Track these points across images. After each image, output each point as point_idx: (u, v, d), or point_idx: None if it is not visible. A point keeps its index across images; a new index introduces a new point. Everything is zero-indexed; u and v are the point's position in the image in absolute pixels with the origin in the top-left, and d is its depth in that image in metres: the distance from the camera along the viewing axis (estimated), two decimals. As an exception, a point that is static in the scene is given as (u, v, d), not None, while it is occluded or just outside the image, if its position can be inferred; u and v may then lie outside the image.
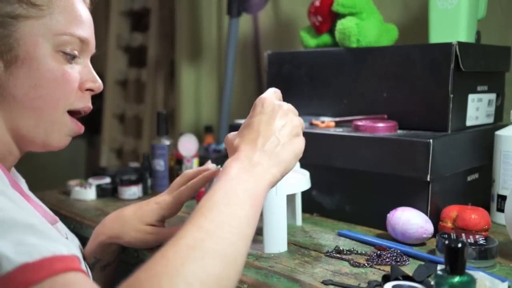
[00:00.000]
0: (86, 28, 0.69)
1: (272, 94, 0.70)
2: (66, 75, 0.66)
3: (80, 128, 0.72)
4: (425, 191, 0.86)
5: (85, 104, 0.71)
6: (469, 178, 0.97)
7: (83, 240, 0.84)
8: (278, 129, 0.65)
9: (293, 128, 0.67)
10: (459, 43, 0.89)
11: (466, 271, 0.54)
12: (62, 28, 0.66)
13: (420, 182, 0.86)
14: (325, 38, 1.17)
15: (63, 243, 0.52)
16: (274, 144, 0.64)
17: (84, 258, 0.79)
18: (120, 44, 2.32)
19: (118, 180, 1.16)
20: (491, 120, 1.05)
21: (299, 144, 0.67)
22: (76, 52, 0.68)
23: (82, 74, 0.70)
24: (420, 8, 1.25)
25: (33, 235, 0.50)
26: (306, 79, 1.13)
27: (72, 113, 0.70)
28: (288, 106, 0.69)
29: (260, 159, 0.62)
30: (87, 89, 0.71)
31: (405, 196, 0.88)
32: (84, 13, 0.70)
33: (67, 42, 0.66)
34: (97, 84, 0.72)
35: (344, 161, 0.95)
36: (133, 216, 0.80)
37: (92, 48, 0.72)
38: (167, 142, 1.19)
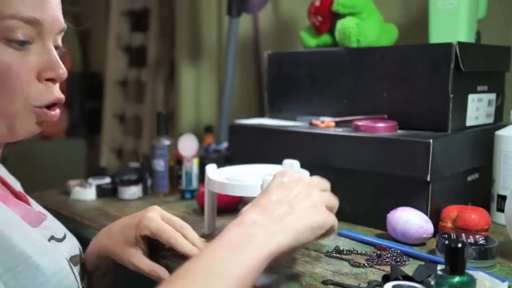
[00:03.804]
0: (35, 5, 0.58)
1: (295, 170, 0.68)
2: (14, 67, 0.58)
3: (52, 116, 0.63)
4: (425, 191, 0.86)
5: (52, 97, 0.62)
6: (469, 178, 0.97)
7: (83, 240, 0.84)
8: (293, 197, 0.61)
9: (312, 201, 0.62)
10: (459, 43, 0.89)
11: (466, 271, 0.54)
12: (2, 9, 0.56)
13: (420, 182, 0.86)
14: (325, 38, 1.17)
15: (36, 252, 0.52)
16: (286, 211, 0.59)
17: (82, 259, 0.78)
18: (120, 44, 2.32)
19: (118, 180, 1.16)
20: (491, 120, 1.05)
21: (317, 217, 0.61)
22: (23, 37, 0.58)
23: (39, 62, 0.60)
24: (420, 8, 1.25)
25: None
26: (306, 79, 1.13)
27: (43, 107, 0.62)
28: (311, 180, 0.65)
29: (265, 223, 0.57)
30: (48, 79, 0.62)
31: (405, 196, 0.88)
32: None
33: (11, 27, 0.56)
34: (58, 72, 0.61)
35: (344, 161, 0.95)
36: (119, 233, 0.75)
37: (51, 28, 0.61)
38: (167, 142, 1.19)
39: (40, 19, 0.59)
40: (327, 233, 0.64)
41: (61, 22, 0.63)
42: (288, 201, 0.61)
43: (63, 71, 0.62)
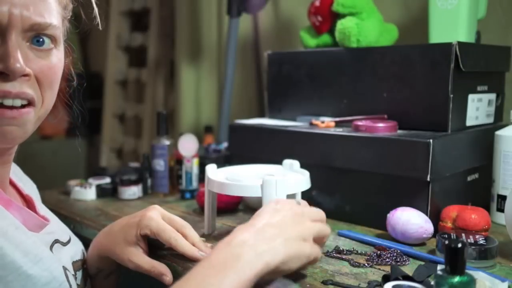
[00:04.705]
0: None
1: (292, 201, 0.68)
2: None
3: (9, 114, 0.60)
4: (425, 191, 0.86)
5: (5, 90, 0.58)
6: (469, 178, 0.97)
7: (83, 240, 0.84)
8: (284, 223, 0.62)
9: (301, 231, 0.63)
10: (459, 43, 0.89)
11: (466, 271, 0.54)
12: None
13: (420, 182, 0.86)
14: (325, 38, 1.17)
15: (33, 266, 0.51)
16: (276, 234, 0.60)
17: (85, 263, 0.78)
18: (120, 44, 2.32)
19: (118, 180, 1.16)
20: (491, 120, 1.04)
21: (304, 248, 0.62)
22: None
23: None
24: (420, 8, 1.25)
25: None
26: (306, 79, 1.13)
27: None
28: (303, 210, 0.66)
29: (254, 242, 0.58)
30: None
31: (405, 196, 0.88)
32: None
33: None
34: (7, 64, 0.56)
35: (344, 161, 0.95)
36: (120, 232, 0.75)
37: (9, 23, 0.57)
38: (167, 142, 1.19)
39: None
40: (310, 263, 0.66)
41: (28, 18, 0.59)
42: (279, 226, 0.62)
43: (9, 63, 0.57)
